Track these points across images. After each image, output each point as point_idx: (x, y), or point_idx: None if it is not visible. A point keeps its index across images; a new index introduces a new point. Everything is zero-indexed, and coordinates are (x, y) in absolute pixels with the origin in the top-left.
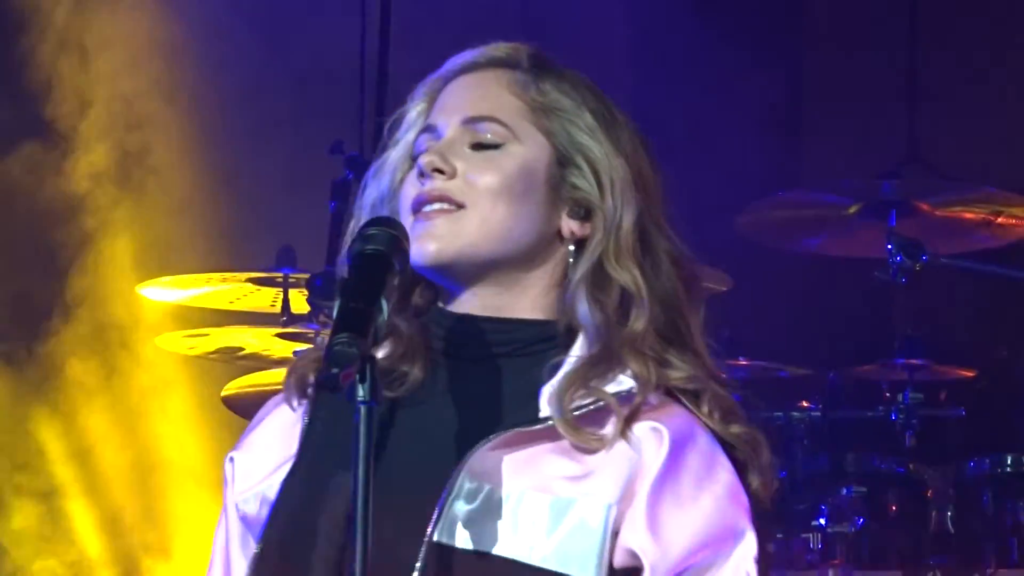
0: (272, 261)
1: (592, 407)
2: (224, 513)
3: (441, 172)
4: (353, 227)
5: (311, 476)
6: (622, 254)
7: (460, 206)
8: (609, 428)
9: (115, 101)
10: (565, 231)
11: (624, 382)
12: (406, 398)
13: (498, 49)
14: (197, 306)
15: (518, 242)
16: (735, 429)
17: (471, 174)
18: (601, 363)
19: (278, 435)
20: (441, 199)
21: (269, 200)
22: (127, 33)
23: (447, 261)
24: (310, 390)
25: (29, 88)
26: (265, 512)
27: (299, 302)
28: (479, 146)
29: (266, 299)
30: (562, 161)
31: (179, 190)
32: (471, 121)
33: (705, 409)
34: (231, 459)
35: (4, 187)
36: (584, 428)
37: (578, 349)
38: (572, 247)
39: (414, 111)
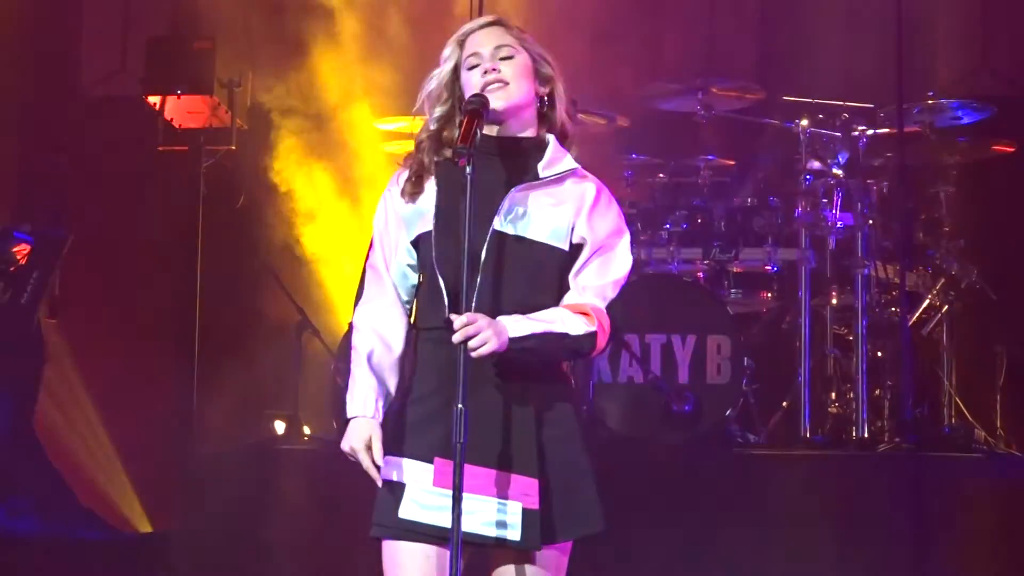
0: None
1: (559, 173)
2: (383, 207)
3: (495, 71)
4: (422, 97)
5: (449, 205)
6: (560, 101)
7: (505, 83)
8: (567, 183)
9: None
10: (539, 92)
11: (570, 161)
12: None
13: (489, 19)
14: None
15: (524, 98)
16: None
17: (507, 69)
18: (554, 152)
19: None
20: (498, 81)
21: None
22: None
23: (500, 109)
24: (436, 157)
25: None
26: (407, 214)
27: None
28: (504, 58)
29: None
30: (533, 60)
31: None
32: (499, 47)
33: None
34: (388, 190)
35: None
36: (557, 183)
37: (549, 150)
38: (545, 98)
39: (448, 50)
